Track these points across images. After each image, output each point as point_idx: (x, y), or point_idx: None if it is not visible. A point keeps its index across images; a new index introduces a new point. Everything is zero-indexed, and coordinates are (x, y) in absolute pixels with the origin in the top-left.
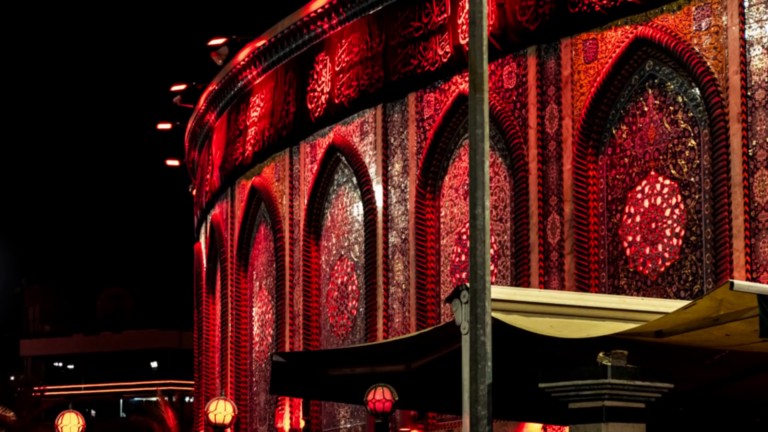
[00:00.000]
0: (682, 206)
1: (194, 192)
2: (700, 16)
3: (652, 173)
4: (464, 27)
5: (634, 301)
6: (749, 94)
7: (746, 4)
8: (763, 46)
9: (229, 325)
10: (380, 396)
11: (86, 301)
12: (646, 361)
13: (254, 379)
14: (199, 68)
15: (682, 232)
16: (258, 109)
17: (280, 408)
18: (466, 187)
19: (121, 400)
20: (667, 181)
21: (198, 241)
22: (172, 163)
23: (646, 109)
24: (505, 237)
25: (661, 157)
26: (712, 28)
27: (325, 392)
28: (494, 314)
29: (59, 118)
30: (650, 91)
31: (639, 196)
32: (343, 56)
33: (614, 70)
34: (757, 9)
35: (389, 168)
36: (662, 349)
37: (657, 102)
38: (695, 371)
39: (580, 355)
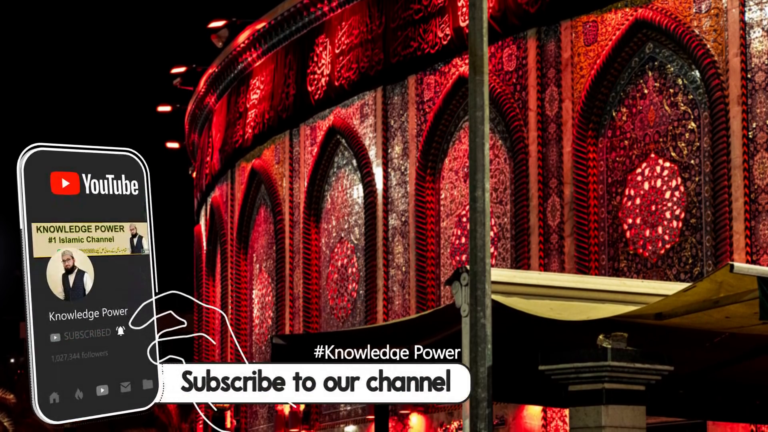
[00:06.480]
0: (682, 189)
1: (194, 174)
2: None
3: (652, 156)
4: (464, 9)
5: (634, 283)
6: (749, 76)
7: None
8: (763, 29)
9: (229, 307)
10: None
11: None
12: (646, 343)
13: (254, 362)
14: (199, 51)
15: (682, 215)
16: (258, 91)
17: None
18: (466, 169)
19: None
20: (667, 164)
21: (198, 224)
22: (172, 145)
23: (646, 91)
24: (505, 219)
25: (661, 140)
26: (712, 11)
27: None
28: (494, 296)
29: (59, 100)
30: (650, 74)
31: (639, 178)
32: (343, 39)
33: (614, 53)
34: None
35: (389, 150)
36: (662, 332)
37: (657, 84)
38: (695, 354)
39: (580, 338)
